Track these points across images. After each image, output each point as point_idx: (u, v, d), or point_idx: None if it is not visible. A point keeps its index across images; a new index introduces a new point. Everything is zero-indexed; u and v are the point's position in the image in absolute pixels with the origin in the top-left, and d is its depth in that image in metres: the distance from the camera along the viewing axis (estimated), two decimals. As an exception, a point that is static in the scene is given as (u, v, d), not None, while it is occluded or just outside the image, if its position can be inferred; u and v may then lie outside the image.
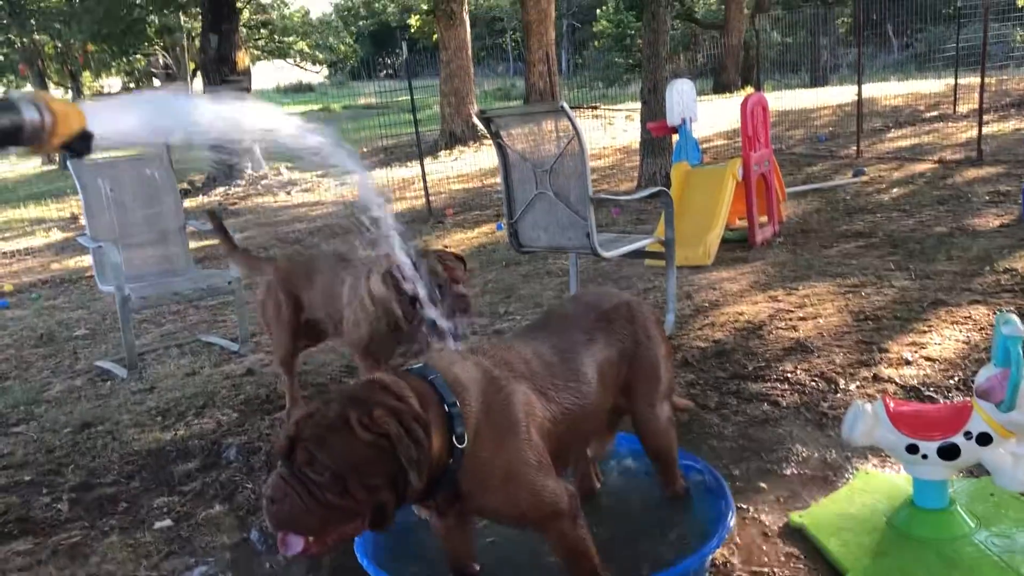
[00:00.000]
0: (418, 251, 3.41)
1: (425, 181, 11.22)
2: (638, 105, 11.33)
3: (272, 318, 4.07)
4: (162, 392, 4.82)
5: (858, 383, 3.80)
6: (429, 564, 2.56)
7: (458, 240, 8.84)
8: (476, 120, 17.65)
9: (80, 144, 1.25)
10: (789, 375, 3.97)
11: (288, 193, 14.80)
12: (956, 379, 3.72)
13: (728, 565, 2.55)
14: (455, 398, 2.06)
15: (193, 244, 6.16)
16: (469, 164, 15.48)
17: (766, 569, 2.51)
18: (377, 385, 2.01)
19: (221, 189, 15.20)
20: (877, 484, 2.89)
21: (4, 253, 11.22)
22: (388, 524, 2.00)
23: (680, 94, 7.26)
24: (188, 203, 13.59)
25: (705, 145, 8.51)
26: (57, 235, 12.39)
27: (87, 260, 9.07)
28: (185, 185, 14.93)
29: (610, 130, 17.64)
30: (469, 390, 2.11)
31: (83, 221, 5.86)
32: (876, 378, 3.83)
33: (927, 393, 3.61)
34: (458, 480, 2.06)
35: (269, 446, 3.79)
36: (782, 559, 2.56)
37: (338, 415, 1.92)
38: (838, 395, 3.70)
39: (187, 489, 3.50)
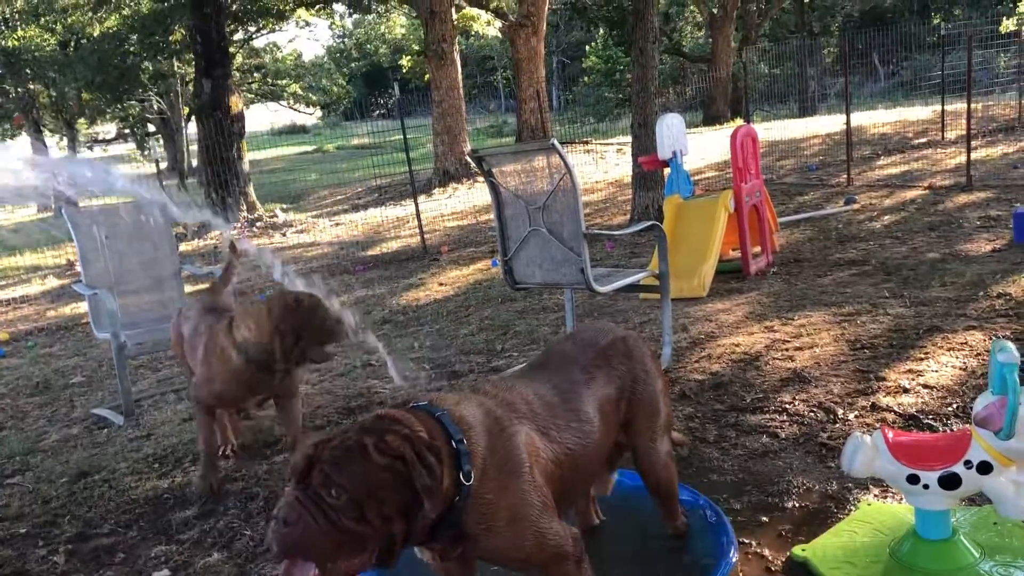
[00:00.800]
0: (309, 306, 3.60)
1: (419, 219, 11.27)
2: (629, 139, 11.42)
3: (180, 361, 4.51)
4: (159, 439, 4.79)
5: (856, 412, 3.80)
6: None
7: (453, 277, 8.86)
8: (469, 158, 17.78)
9: None
10: (787, 406, 3.97)
11: (284, 234, 14.83)
12: (954, 406, 3.71)
13: (732, 602, 2.53)
14: (462, 435, 2.04)
15: (188, 288, 6.15)
16: (463, 201, 15.55)
17: (770, 605, 2.49)
18: (387, 418, 2.00)
19: (216, 232, 15.22)
20: (879, 515, 2.87)
21: (1, 302, 11.21)
22: (394, 560, 1.97)
23: (670, 128, 7.33)
24: (183, 247, 13.62)
25: (696, 177, 8.57)
26: (53, 282, 12.38)
27: (83, 307, 9.06)
28: (180, 229, 14.96)
29: (602, 164, 17.75)
30: (475, 428, 2.10)
31: (78, 268, 5.87)
32: (874, 407, 3.82)
33: (926, 421, 3.61)
34: (463, 521, 2.04)
35: (267, 492, 3.77)
36: (786, 594, 2.54)
37: (355, 441, 1.91)
38: (837, 425, 3.69)
39: (185, 537, 3.47)
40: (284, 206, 17.25)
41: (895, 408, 3.78)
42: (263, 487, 3.84)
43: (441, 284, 8.60)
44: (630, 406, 2.60)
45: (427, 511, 1.92)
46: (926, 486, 2.46)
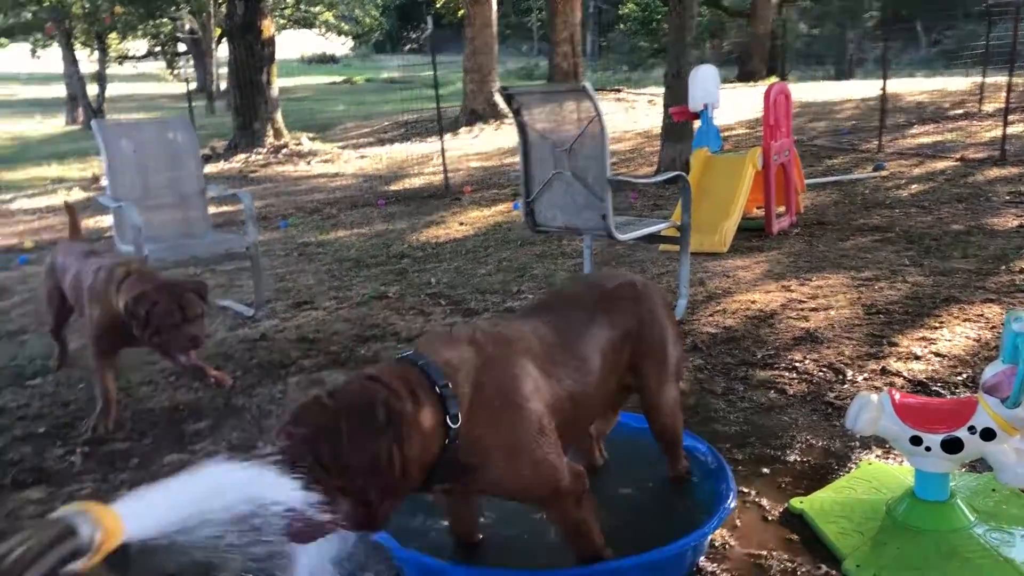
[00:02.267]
0: (159, 285, 3.67)
1: (444, 157, 11.23)
2: (661, 90, 11.30)
3: (43, 299, 4.65)
4: (176, 353, 4.87)
5: (866, 375, 3.82)
6: (434, 534, 2.62)
7: (474, 218, 8.87)
8: (498, 98, 17.62)
9: (119, 559, 1.25)
10: (797, 364, 3.99)
11: (308, 163, 14.84)
12: (964, 376, 3.73)
13: (727, 547, 2.58)
14: (446, 380, 2.05)
15: (212, 210, 6.19)
16: (489, 142, 15.47)
17: (764, 552, 2.54)
18: (365, 376, 2.01)
19: (242, 156, 15.25)
20: (879, 475, 2.92)
21: (25, 210, 11.33)
22: (381, 520, 1.96)
23: (703, 80, 7.24)
24: (209, 168, 13.65)
25: (726, 133, 8.48)
26: (78, 195, 12.46)
27: (106, 221, 9.14)
28: (207, 151, 14.98)
29: (632, 114, 17.57)
30: (460, 370, 2.10)
31: (104, 182, 5.92)
32: (884, 371, 3.85)
33: (934, 388, 3.63)
34: (457, 460, 2.06)
35: (280, 411, 3.85)
36: (780, 543, 2.60)
37: (314, 397, 1.95)
38: (845, 386, 3.72)
39: (198, 448, 3.56)
40: (310, 135, 17.21)
41: (905, 373, 3.80)
42: (276, 405, 3.92)
43: (461, 224, 8.61)
44: (637, 350, 2.60)
45: (399, 469, 1.92)
46: (928, 448, 2.49)
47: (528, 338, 2.32)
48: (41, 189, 13.32)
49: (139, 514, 1.27)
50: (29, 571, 0.98)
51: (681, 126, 9.39)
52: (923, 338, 4.21)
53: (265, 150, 15.52)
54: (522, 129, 4.72)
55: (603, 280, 2.71)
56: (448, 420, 2.01)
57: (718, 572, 2.45)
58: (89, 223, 10.12)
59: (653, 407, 2.68)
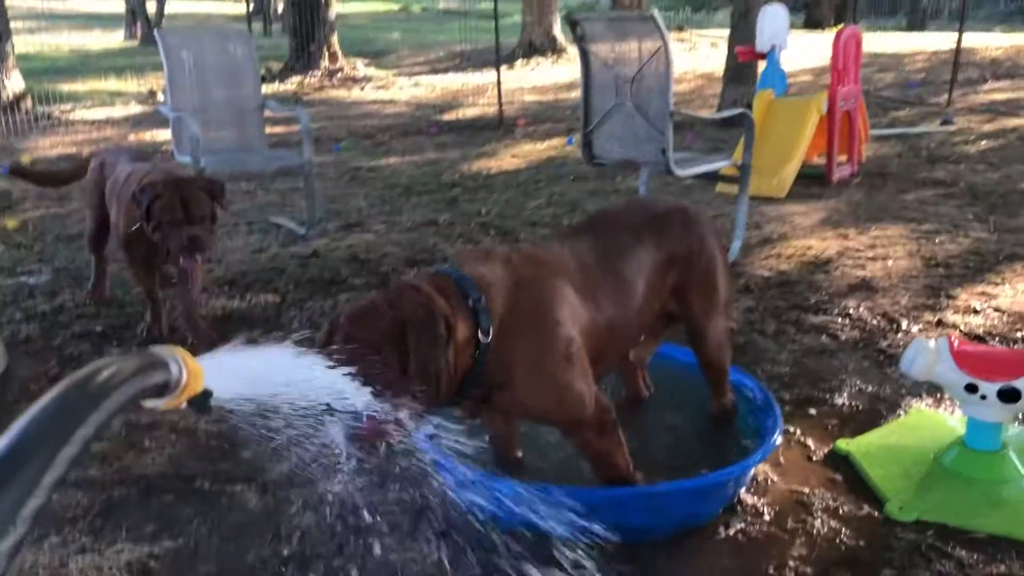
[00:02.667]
0: (167, 179, 3.45)
1: (500, 89, 11.10)
2: (724, 32, 11.02)
3: (85, 203, 4.41)
4: (230, 265, 4.95)
5: (921, 326, 3.75)
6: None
7: (527, 151, 8.79)
8: (557, 31, 17.32)
9: (201, 401, 1.27)
10: (851, 311, 3.93)
11: (362, 88, 14.79)
12: (1024, 332, 3.65)
13: (769, 481, 2.58)
14: (480, 293, 2.06)
15: (267, 129, 6.20)
16: (545, 76, 15.26)
17: (806, 489, 2.54)
18: (410, 286, 2.05)
19: (297, 78, 15.24)
20: (928, 422, 2.88)
21: (85, 121, 11.47)
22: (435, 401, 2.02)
23: (772, 19, 7.03)
24: (264, 89, 13.67)
25: (790, 80, 8.22)
26: (135, 108, 12.58)
27: (163, 135, 9.24)
28: (262, 71, 14.97)
29: (693, 55, 17.17)
30: (494, 285, 2.10)
31: (161, 97, 5.96)
32: (940, 323, 3.78)
33: (992, 342, 3.56)
34: (485, 374, 2.08)
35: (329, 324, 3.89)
36: (824, 482, 2.59)
37: (371, 302, 2.04)
38: (899, 335, 3.66)
39: (250, 355, 3.62)
40: (365, 60, 17.12)
41: (961, 327, 3.73)
42: (327, 318, 3.97)
43: (514, 156, 8.55)
44: (684, 278, 2.55)
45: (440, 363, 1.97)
46: (983, 396, 2.45)
47: (565, 260, 2.29)
48: (100, 101, 13.46)
49: (221, 372, 1.30)
50: (120, 389, 1.00)
51: (745, 67, 9.15)
52: (983, 293, 4.12)
53: (320, 73, 15.48)
54: (585, 57, 4.64)
55: (653, 204, 2.68)
56: (480, 334, 2.03)
57: (759, 505, 2.46)
58: (146, 136, 10.24)
59: (699, 337, 2.65)
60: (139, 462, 2.76)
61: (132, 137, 10.28)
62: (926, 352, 2.53)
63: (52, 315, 4.20)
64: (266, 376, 1.45)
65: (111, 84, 15.21)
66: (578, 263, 2.31)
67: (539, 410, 2.19)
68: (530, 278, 2.17)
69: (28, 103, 11.74)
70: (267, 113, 6.04)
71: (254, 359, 1.48)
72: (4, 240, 5.68)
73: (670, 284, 2.54)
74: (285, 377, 1.50)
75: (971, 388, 2.46)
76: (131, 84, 15.09)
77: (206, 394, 1.25)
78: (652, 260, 2.46)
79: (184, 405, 1.21)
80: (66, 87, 14.22)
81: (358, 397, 1.76)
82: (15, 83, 11.67)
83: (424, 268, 4.65)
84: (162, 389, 1.13)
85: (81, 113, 12.10)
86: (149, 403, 1.14)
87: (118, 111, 12.45)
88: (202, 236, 3.42)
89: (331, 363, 1.68)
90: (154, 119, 11.17)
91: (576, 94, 10.84)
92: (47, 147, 9.73)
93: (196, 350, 1.21)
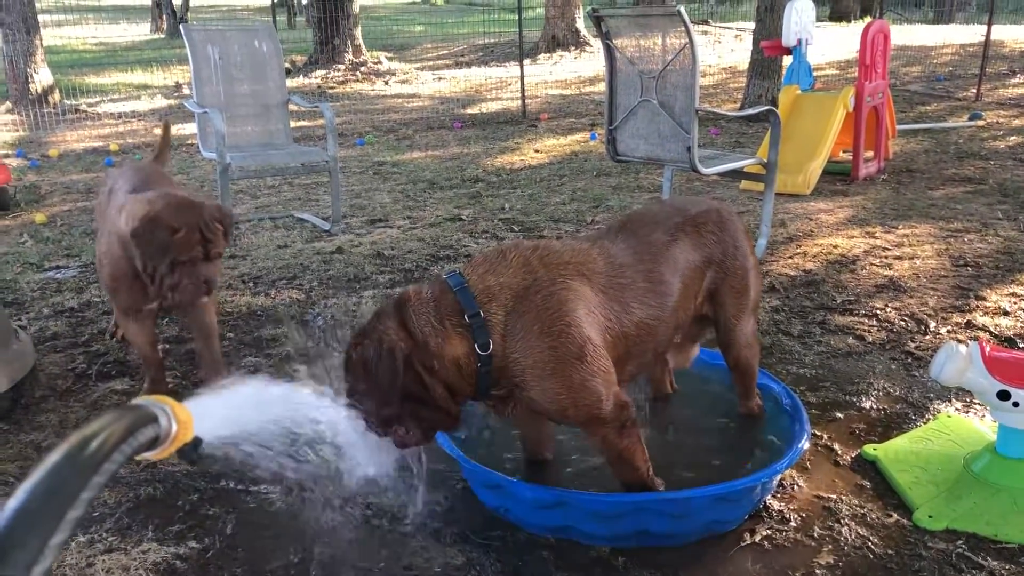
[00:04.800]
0: (175, 203, 2.90)
1: (523, 83, 11.08)
2: (749, 25, 10.91)
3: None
4: (255, 260, 4.98)
5: (950, 327, 3.70)
6: (498, 447, 2.65)
7: (550, 146, 8.77)
8: (580, 24, 17.24)
9: (191, 450, 1.29)
10: (878, 312, 3.89)
11: (386, 82, 14.80)
12: (1055, 335, 3.59)
13: (795, 487, 2.56)
14: (478, 308, 2.11)
15: (291, 123, 6.22)
16: (568, 70, 15.20)
17: (833, 496, 2.51)
18: (397, 302, 2.17)
19: (321, 72, 15.27)
20: (958, 428, 2.84)
21: (111, 114, 11.56)
22: (453, 421, 2.22)
23: (799, 13, 6.95)
24: (288, 83, 13.72)
25: (815, 73, 8.11)
26: (161, 102, 12.67)
27: (188, 128, 9.30)
28: (286, 65, 15.02)
29: (718, 48, 17.05)
30: (498, 296, 2.14)
31: (187, 90, 5.99)
32: (969, 324, 3.72)
33: (1022, 345, 3.50)
34: (498, 381, 2.15)
35: (353, 321, 3.91)
36: (850, 488, 2.56)
37: (354, 356, 2.16)
38: (927, 337, 3.61)
39: (274, 352, 3.64)
40: (389, 54, 17.14)
41: (991, 328, 3.67)
42: (349, 317, 3.98)
43: (537, 151, 8.53)
44: (717, 279, 2.55)
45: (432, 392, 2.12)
46: (1016, 404, 2.41)
47: (591, 259, 2.28)
48: (126, 94, 13.57)
49: (209, 416, 1.31)
50: (115, 451, 1.01)
51: (770, 62, 9.09)
52: (1013, 294, 4.06)
53: (344, 67, 15.50)
54: (609, 53, 4.61)
55: (687, 204, 2.64)
56: (478, 348, 2.10)
57: (785, 511, 2.43)
58: (172, 130, 10.29)
59: (731, 339, 2.64)
60: (166, 461, 2.77)
61: (158, 131, 10.33)
62: (957, 357, 2.49)
63: (79, 311, 4.23)
64: (256, 417, 1.48)
65: (137, 77, 15.33)
66: (607, 263, 2.30)
67: (554, 409, 2.19)
68: (545, 281, 2.17)
69: (56, 96, 11.85)
70: (291, 108, 6.06)
71: (244, 401, 1.50)
72: (32, 235, 5.73)
73: (705, 285, 2.54)
74: (275, 416, 1.54)
75: (1003, 395, 2.42)
76: (157, 77, 15.20)
77: (196, 442, 1.26)
78: (686, 261, 2.45)
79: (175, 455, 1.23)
80: (93, 80, 14.34)
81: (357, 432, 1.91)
82: (44, 77, 11.78)
83: (437, 273, 4.65)
84: (152, 442, 1.14)
85: (108, 106, 12.21)
86: (139, 456, 1.15)
87: (144, 104, 12.54)
88: (214, 277, 2.99)
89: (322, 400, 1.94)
90: (180, 113, 11.24)
91: (599, 88, 10.82)
92: (74, 140, 9.82)
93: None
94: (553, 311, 2.14)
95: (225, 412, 1.46)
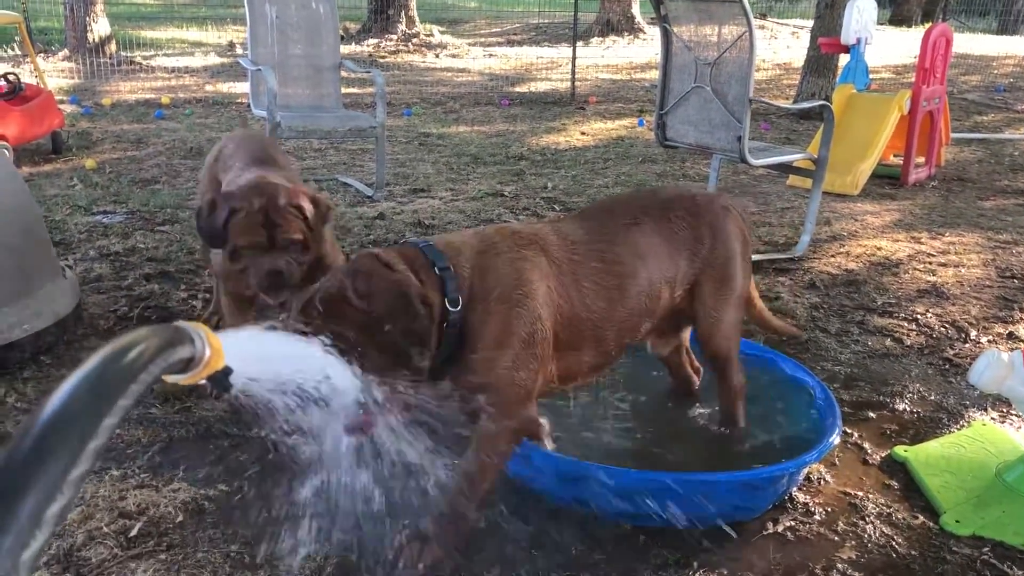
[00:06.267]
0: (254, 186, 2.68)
1: (574, 64, 11.02)
2: (806, 22, 10.75)
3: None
4: (296, 220, 5.02)
5: (991, 337, 3.65)
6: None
7: (596, 129, 8.73)
8: (636, 10, 17.10)
9: (222, 378, 1.29)
10: (919, 316, 3.84)
11: (437, 55, 14.80)
12: (1099, 353, 3.52)
13: (822, 482, 2.55)
14: (447, 262, 2.02)
15: (342, 89, 6.24)
16: (620, 55, 15.09)
17: (860, 493, 2.50)
18: (373, 264, 1.98)
19: (373, 41, 15.30)
20: (992, 436, 2.81)
21: (164, 68, 11.69)
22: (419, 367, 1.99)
23: (860, 11, 6.83)
24: (341, 49, 13.75)
25: (871, 76, 7.96)
26: (214, 59, 12.77)
27: (239, 87, 9.38)
28: (340, 31, 15.08)
29: (773, 44, 16.82)
30: (463, 253, 2.06)
31: (240, 50, 6.04)
32: (1011, 336, 3.67)
33: (1064, 361, 3.44)
34: (452, 343, 2.04)
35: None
36: (878, 487, 2.55)
37: (339, 290, 1.92)
38: (967, 345, 3.57)
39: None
40: (441, 28, 17.12)
41: (1034, 342, 3.62)
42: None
43: (583, 133, 8.49)
44: (693, 268, 2.44)
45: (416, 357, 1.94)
46: (1055, 415, 2.38)
47: (545, 234, 2.21)
48: (180, 50, 13.69)
49: (239, 352, 1.33)
50: (152, 363, 1.02)
51: (827, 59, 8.95)
52: (1058, 309, 3.99)
53: (396, 37, 15.52)
54: (666, 37, 4.57)
55: (660, 191, 2.56)
56: (448, 304, 1.99)
57: (811, 504, 2.43)
58: (223, 88, 10.39)
59: (709, 329, 2.52)
60: (200, 405, 2.82)
61: (209, 88, 10.44)
62: (998, 364, 2.46)
63: (124, 255, 4.31)
64: (278, 358, 1.50)
65: (192, 34, 15.46)
66: (564, 243, 2.22)
67: (477, 384, 2.04)
68: (503, 247, 2.11)
69: (112, 47, 12.00)
70: (342, 73, 6.08)
71: (269, 342, 1.52)
72: (82, 179, 5.83)
73: (681, 274, 2.42)
74: (294, 360, 1.55)
75: (1042, 405, 2.39)
76: (211, 35, 15.32)
77: (226, 371, 1.27)
78: (649, 245, 2.35)
79: (204, 381, 1.24)
80: (149, 34, 14.50)
81: (353, 379, 1.77)
82: (102, 27, 11.94)
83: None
84: (186, 363, 1.16)
85: (161, 61, 12.33)
86: (171, 377, 1.16)
87: (197, 61, 12.65)
88: (286, 269, 2.61)
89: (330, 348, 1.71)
90: (231, 71, 11.33)
91: (650, 75, 10.75)
92: (126, 91, 9.95)
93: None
94: (513, 278, 2.07)
95: (256, 351, 1.48)
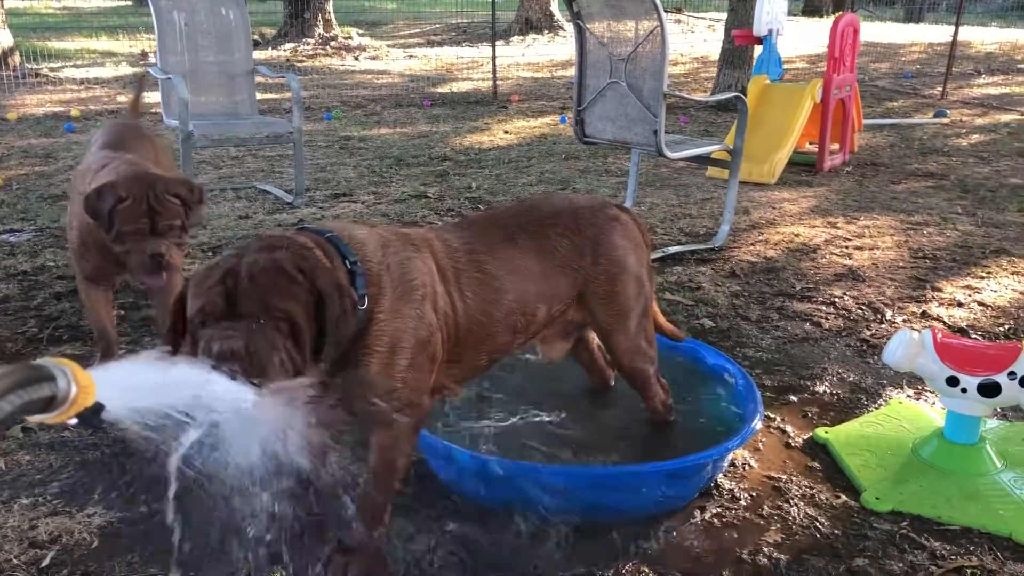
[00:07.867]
0: (135, 176, 2.86)
1: (495, 64, 11.02)
2: (722, 16, 10.95)
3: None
4: (215, 231, 4.91)
5: (905, 317, 3.76)
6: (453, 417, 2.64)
7: (519, 127, 8.74)
8: (555, 7, 17.19)
9: (92, 416, 1.23)
10: (836, 300, 3.93)
11: (356, 58, 14.65)
12: (1007, 327, 3.65)
13: (747, 467, 2.58)
14: (356, 257, 1.94)
15: (257, 95, 6.11)
16: (540, 53, 15.15)
17: (783, 476, 2.54)
18: (284, 239, 1.88)
19: (290, 45, 15.08)
20: (908, 414, 2.89)
21: (74, 80, 11.32)
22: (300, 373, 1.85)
23: (771, 3, 6.97)
24: (256, 55, 13.51)
25: (785, 66, 8.15)
26: (126, 69, 12.42)
27: (152, 98, 9.12)
28: (255, 36, 14.81)
29: (690, 38, 17.08)
30: (368, 247, 1.98)
31: (152, 59, 5.88)
32: (925, 315, 3.78)
33: (974, 336, 3.56)
34: (353, 342, 1.92)
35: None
36: (801, 469, 2.59)
37: (270, 262, 1.79)
38: (883, 325, 3.66)
39: (231, 322, 3.59)
40: (360, 30, 16.96)
41: (945, 319, 3.73)
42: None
43: (506, 132, 8.50)
44: (577, 284, 2.38)
45: (338, 342, 1.85)
46: (964, 390, 2.45)
47: (431, 242, 2.16)
48: (90, 61, 13.29)
49: (111, 385, 1.28)
50: (2, 400, 0.98)
51: (742, 51, 9.12)
52: (968, 286, 4.12)
53: (314, 41, 15.32)
54: (580, 34, 4.59)
55: (542, 204, 2.44)
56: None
57: (736, 490, 2.46)
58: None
59: (609, 346, 2.50)
60: (113, 426, 2.73)
61: (121, 98, 10.15)
62: (909, 343, 2.53)
63: (33, 274, 4.15)
64: (158, 386, 1.44)
65: (102, 44, 15.03)
66: (448, 251, 2.17)
67: (380, 392, 1.98)
68: (397, 246, 2.05)
69: (16, 59, 11.57)
70: (258, 79, 5.97)
71: (145, 370, 1.46)
72: (-14, 197, 5.61)
73: (557, 292, 2.35)
74: (176, 386, 1.50)
75: (952, 381, 2.47)
76: (122, 44, 14.91)
77: (97, 408, 1.22)
78: (527, 265, 2.28)
79: (74, 420, 1.19)
80: (56, 45, 14.04)
81: (244, 392, 1.67)
82: (3, 38, 11.49)
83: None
84: (49, 403, 1.10)
85: (70, 72, 11.95)
86: (35, 417, 1.11)
87: (108, 71, 12.30)
88: (167, 253, 2.81)
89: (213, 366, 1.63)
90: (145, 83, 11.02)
91: (571, 73, 10.77)
92: (33, 105, 9.61)
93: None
94: (412, 276, 2.02)
95: (132, 382, 1.43)
